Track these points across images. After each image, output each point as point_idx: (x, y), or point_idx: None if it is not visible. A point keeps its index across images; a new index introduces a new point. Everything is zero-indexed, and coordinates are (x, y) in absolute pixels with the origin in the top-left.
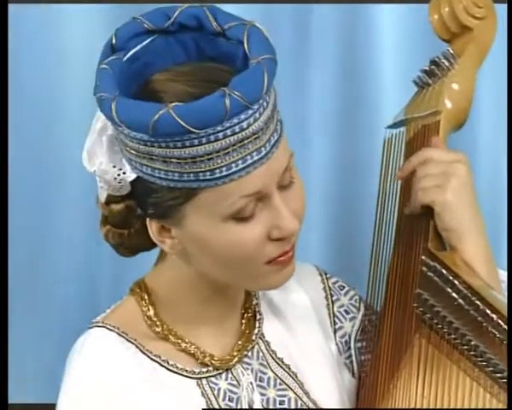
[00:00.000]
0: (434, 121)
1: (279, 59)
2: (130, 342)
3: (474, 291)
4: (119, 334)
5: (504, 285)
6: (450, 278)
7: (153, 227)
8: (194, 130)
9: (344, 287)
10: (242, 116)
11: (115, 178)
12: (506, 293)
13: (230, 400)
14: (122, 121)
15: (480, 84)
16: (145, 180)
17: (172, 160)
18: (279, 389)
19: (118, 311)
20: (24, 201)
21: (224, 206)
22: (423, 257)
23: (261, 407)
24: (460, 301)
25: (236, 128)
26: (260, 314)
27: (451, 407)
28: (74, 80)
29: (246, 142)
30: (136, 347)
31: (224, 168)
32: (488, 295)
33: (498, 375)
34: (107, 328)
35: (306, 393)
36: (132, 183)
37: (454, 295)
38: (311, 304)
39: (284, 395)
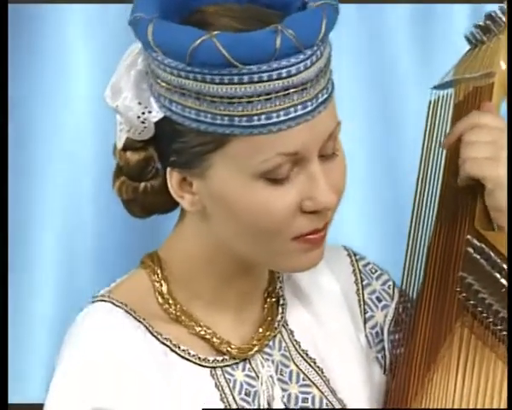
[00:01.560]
0: (487, 84)
1: None
2: (138, 321)
3: None
4: (127, 311)
5: None
6: (499, 261)
7: (173, 178)
8: (237, 63)
9: (376, 270)
10: (292, 59)
11: (139, 117)
12: None
13: (247, 394)
14: (158, 45)
15: None
16: (172, 121)
17: (207, 97)
18: (302, 385)
19: (126, 285)
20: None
21: (257, 161)
22: (469, 237)
23: (281, 405)
24: None
25: (284, 72)
26: (284, 299)
27: (494, 405)
28: (74, 80)
29: (291, 91)
30: (145, 327)
31: (263, 116)
32: None
33: None
34: (114, 303)
35: (333, 391)
36: (157, 125)
37: (502, 280)
38: (341, 290)
39: (308, 393)
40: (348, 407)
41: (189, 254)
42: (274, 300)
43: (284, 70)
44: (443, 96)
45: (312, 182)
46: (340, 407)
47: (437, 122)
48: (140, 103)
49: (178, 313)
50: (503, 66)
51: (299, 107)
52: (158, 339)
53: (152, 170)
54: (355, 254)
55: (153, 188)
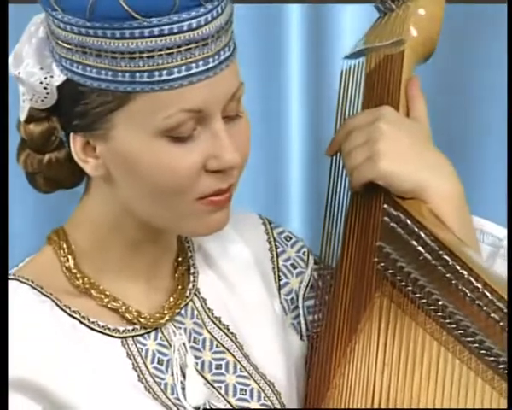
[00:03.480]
0: (398, 51)
1: None
2: (45, 296)
3: (442, 245)
4: (33, 287)
5: (485, 237)
6: (416, 229)
7: (77, 143)
8: (137, 16)
9: (291, 238)
10: (193, 13)
11: (41, 83)
12: (505, 252)
13: (160, 362)
14: (57, 2)
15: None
16: (74, 83)
17: (108, 53)
18: (215, 352)
19: (32, 262)
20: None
21: (160, 118)
22: (385, 206)
23: (194, 372)
24: (426, 255)
25: (185, 26)
26: (195, 268)
27: (416, 374)
28: None
29: (193, 46)
30: (53, 301)
31: (164, 72)
32: (459, 252)
33: (469, 339)
34: (19, 280)
35: (246, 356)
36: (59, 89)
37: (420, 248)
38: (253, 257)
39: (221, 359)
40: (262, 370)
41: (95, 223)
42: (185, 268)
43: (185, 23)
44: (354, 66)
45: (216, 140)
46: (254, 370)
47: (349, 91)
48: (42, 69)
49: (87, 286)
50: (414, 32)
51: (201, 63)
52: (66, 312)
53: (55, 141)
54: (270, 223)
55: (57, 160)
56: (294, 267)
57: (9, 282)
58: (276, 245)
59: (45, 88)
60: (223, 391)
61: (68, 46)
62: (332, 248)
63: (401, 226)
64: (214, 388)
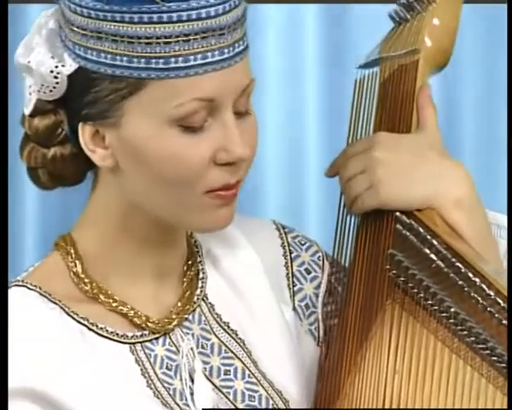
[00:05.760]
0: (412, 61)
1: None
2: (53, 303)
3: (454, 252)
4: (41, 294)
5: (503, 232)
6: (428, 237)
7: (85, 132)
8: (157, 0)
9: (305, 242)
10: (211, 0)
11: (52, 71)
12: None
13: (168, 368)
14: None
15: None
16: (87, 71)
17: (124, 38)
18: (224, 357)
19: (40, 269)
20: None
21: (172, 106)
22: (398, 213)
23: (203, 377)
24: (439, 262)
25: (203, 13)
26: (204, 273)
27: (427, 382)
28: None
29: (209, 34)
30: (61, 308)
31: (180, 59)
32: (471, 260)
33: (480, 346)
34: (27, 287)
35: (254, 362)
36: (70, 78)
37: (432, 256)
38: (263, 263)
39: (230, 364)
40: (270, 377)
41: (103, 226)
42: (193, 273)
43: (203, 10)
44: (368, 75)
45: (227, 133)
46: (262, 377)
47: (363, 101)
48: (53, 57)
49: (95, 291)
50: (429, 42)
51: (217, 52)
52: (74, 319)
53: (61, 134)
54: (284, 228)
55: (62, 156)
56: (308, 272)
57: (17, 288)
58: (290, 250)
59: (55, 77)
60: (231, 397)
61: (84, 32)
62: (344, 255)
63: (414, 234)
64: (222, 393)
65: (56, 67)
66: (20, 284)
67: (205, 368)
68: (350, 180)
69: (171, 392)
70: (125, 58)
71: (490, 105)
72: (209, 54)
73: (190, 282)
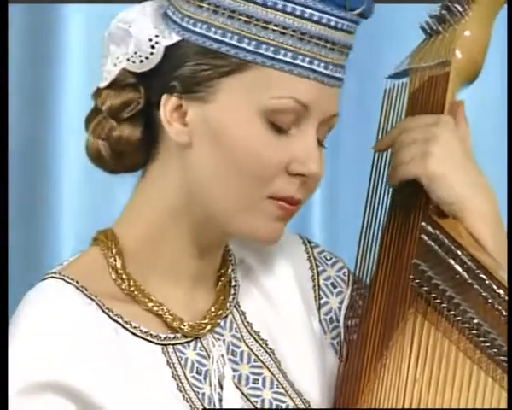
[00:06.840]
0: (443, 73)
1: None
2: (89, 298)
3: (479, 264)
4: (78, 288)
5: None
6: (453, 248)
7: (168, 104)
8: None
9: (331, 258)
10: (335, 11)
11: (150, 40)
12: None
13: (198, 372)
14: None
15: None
16: (189, 44)
17: (241, 17)
18: (253, 366)
19: (78, 262)
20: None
21: (268, 96)
22: (423, 224)
23: (231, 384)
24: (463, 274)
25: (324, 18)
26: (236, 281)
27: (447, 392)
28: (74, 80)
29: (322, 43)
30: (97, 304)
31: (289, 54)
32: (496, 272)
33: (502, 358)
34: (64, 280)
35: (283, 373)
36: (166, 50)
37: (456, 267)
38: (294, 275)
39: (259, 374)
40: (298, 387)
41: (148, 223)
42: (226, 281)
43: (325, 16)
44: (398, 86)
45: (307, 147)
46: (290, 387)
47: (392, 111)
48: (155, 27)
49: (132, 289)
50: (459, 55)
51: (322, 64)
52: (109, 316)
53: (133, 110)
54: (310, 242)
55: (128, 138)
56: (334, 287)
57: (54, 280)
58: (316, 264)
59: (153, 47)
60: (258, 406)
61: (199, 3)
62: (367, 264)
63: (438, 244)
64: (250, 402)
65: (157, 36)
66: (57, 276)
67: (234, 376)
68: (403, 147)
69: (200, 396)
70: (235, 37)
71: (489, 105)
72: (316, 61)
73: (223, 288)
